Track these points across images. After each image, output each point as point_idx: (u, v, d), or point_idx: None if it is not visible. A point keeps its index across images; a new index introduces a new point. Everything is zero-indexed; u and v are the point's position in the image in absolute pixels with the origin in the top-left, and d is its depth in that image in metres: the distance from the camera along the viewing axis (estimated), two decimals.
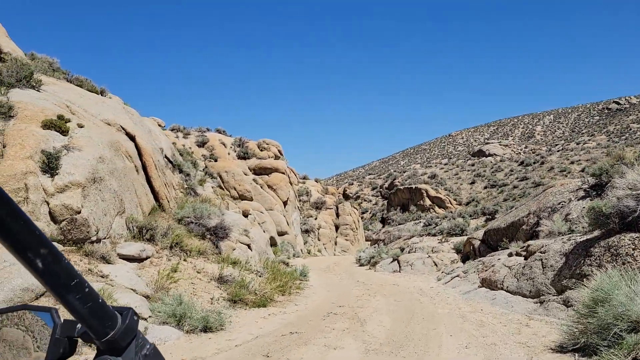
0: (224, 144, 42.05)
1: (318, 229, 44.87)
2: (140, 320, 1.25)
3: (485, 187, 67.30)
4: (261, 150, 43.79)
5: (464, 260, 19.82)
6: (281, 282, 13.55)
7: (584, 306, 6.82)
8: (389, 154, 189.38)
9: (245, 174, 37.06)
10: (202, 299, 10.42)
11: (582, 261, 9.68)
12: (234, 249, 16.63)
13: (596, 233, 10.33)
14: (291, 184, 43.45)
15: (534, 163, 70.08)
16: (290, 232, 37.75)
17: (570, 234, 12.17)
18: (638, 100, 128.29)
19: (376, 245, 34.83)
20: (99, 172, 11.21)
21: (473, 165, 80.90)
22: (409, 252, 24.34)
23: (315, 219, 45.82)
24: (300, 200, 47.16)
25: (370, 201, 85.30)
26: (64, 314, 1.00)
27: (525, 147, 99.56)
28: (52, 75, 19.21)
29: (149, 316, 8.17)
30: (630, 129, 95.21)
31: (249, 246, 17.70)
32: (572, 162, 63.83)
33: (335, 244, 45.90)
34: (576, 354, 6.54)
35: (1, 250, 6.39)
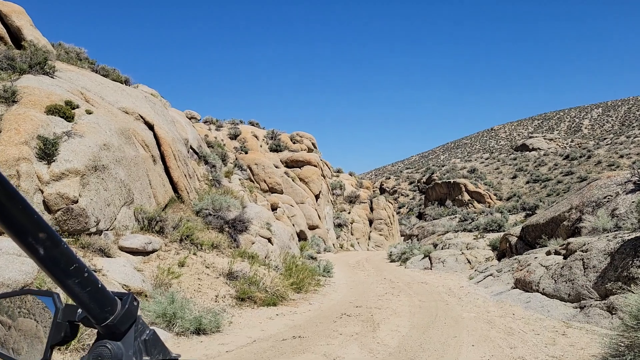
0: (256, 137, 41.57)
1: (351, 223, 43.90)
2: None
3: (528, 182, 64.78)
4: (294, 143, 43.11)
5: (499, 258, 18.55)
6: (297, 278, 12.71)
7: (631, 317, 5.71)
8: (429, 148, 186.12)
9: (277, 167, 36.43)
10: (206, 296, 9.71)
11: (630, 262, 8.47)
12: (253, 243, 15.92)
13: None
14: (324, 177, 42.61)
15: (580, 157, 67.00)
16: (322, 226, 36.94)
17: (616, 231, 10.87)
18: None
19: (409, 240, 33.62)
20: (102, 160, 10.62)
21: (515, 159, 78.11)
22: (442, 249, 23.14)
23: (349, 213, 44.86)
24: (333, 194, 46.27)
25: (408, 196, 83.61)
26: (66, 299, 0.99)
27: (572, 142, 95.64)
28: (76, 63, 18.94)
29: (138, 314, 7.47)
30: None
31: (269, 240, 16.95)
32: (622, 156, 60.65)
33: (369, 238, 44.84)
34: None
35: None
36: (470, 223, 27.32)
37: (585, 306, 8.89)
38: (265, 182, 33.31)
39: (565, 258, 10.84)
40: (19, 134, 9.34)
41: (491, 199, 56.91)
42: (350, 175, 52.45)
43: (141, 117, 16.41)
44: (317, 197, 38.72)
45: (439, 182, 65.72)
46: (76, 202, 9.31)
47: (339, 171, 51.71)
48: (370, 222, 46.13)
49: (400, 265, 22.88)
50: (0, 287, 6.58)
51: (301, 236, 32.60)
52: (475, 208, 51.42)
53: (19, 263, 6.95)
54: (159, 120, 17.82)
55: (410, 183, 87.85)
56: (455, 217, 31.69)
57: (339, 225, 42.51)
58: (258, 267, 12.97)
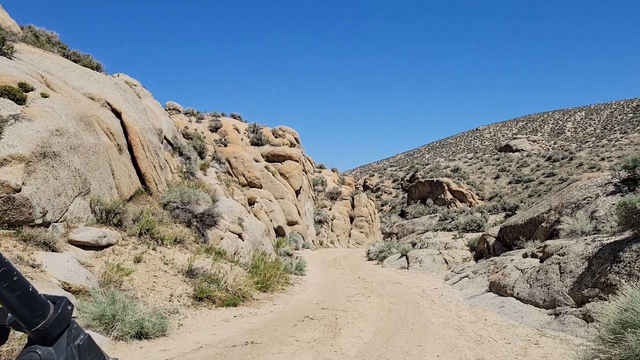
0: (237, 130, 40.81)
1: (332, 220, 43.37)
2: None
3: (510, 183, 64.79)
4: (276, 137, 42.42)
5: (477, 259, 18.13)
6: (264, 276, 12.08)
7: (609, 330, 5.20)
8: (414, 147, 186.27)
9: (257, 161, 35.71)
10: (160, 295, 9.06)
11: (609, 268, 7.99)
12: (222, 239, 15.26)
13: (627, 234, 8.61)
14: (306, 172, 41.98)
15: (562, 159, 67.19)
16: (302, 222, 36.33)
17: (595, 234, 10.43)
18: None
19: (389, 238, 33.16)
20: (53, 147, 9.88)
21: (498, 159, 78.17)
22: (420, 248, 22.68)
23: (330, 209, 44.32)
24: (315, 190, 45.68)
25: (391, 193, 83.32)
26: None
27: (555, 144, 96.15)
28: (43, 46, 18.07)
29: (73, 317, 6.80)
30: None
31: (240, 236, 16.30)
32: (603, 159, 60.91)
33: (350, 236, 44.35)
34: None
35: None
36: (450, 222, 26.92)
37: (560, 313, 8.41)
38: (244, 176, 32.58)
39: (541, 261, 10.37)
40: None
41: (473, 198, 56.78)
42: (332, 171, 51.89)
43: (108, 104, 15.64)
44: (297, 192, 38.09)
45: (422, 180, 65.48)
46: (19, 190, 8.59)
47: (321, 167, 51.12)
48: (352, 219, 45.64)
49: (378, 264, 22.39)
50: None
51: (279, 232, 31.95)
52: (457, 207, 51.18)
53: None
54: (129, 108, 17.05)
55: (394, 181, 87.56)
56: (436, 215, 31.30)
57: (320, 222, 41.93)
58: (223, 264, 12.33)
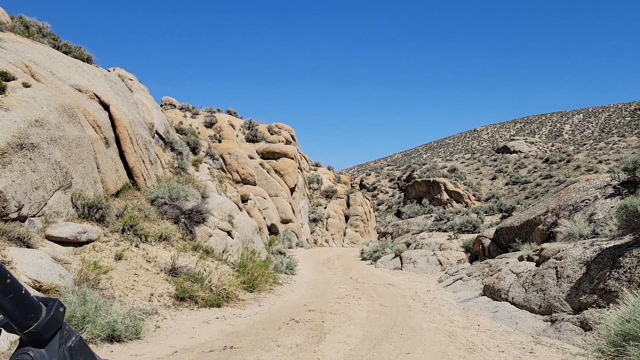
0: (232, 126, 40.36)
1: (327, 218, 42.98)
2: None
3: (507, 184, 64.52)
4: (271, 134, 42.01)
5: (472, 261, 17.77)
6: (251, 276, 11.69)
7: (609, 342, 4.84)
8: (412, 147, 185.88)
9: (251, 157, 35.29)
10: (139, 294, 8.67)
11: (608, 273, 7.64)
12: (211, 236, 14.87)
13: (627, 238, 8.25)
14: (301, 170, 41.59)
15: (560, 161, 66.93)
16: (296, 220, 35.94)
17: (594, 237, 10.07)
18: None
19: (384, 238, 32.79)
20: (31, 138, 9.47)
21: (496, 160, 77.88)
22: (414, 248, 22.32)
23: (325, 208, 43.94)
24: (310, 188, 45.29)
25: (387, 193, 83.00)
26: None
27: (552, 146, 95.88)
28: (32, 37, 17.66)
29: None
30: None
31: (229, 233, 15.90)
32: (600, 162, 60.66)
33: (344, 234, 43.98)
34: None
35: None
36: (445, 223, 26.57)
37: (556, 320, 8.05)
38: (237, 172, 32.17)
39: (537, 265, 10.01)
40: None
41: (470, 199, 56.47)
42: (328, 169, 51.48)
43: (96, 96, 15.23)
44: (292, 190, 37.69)
45: (419, 180, 65.15)
46: None
47: (317, 165, 50.70)
48: (347, 218, 45.26)
49: (371, 264, 22.02)
50: None
51: (273, 230, 31.56)
52: (453, 208, 50.86)
53: None
54: (118, 100, 16.63)
55: (391, 180, 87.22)
56: (431, 216, 30.94)
57: (314, 220, 41.54)
58: (209, 263, 11.95)
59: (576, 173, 57.29)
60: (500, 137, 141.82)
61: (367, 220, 46.04)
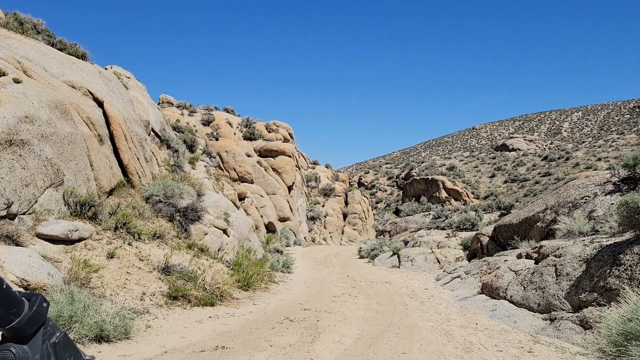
0: (230, 124, 40.19)
1: (325, 216, 42.82)
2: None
3: (506, 182, 64.39)
4: (269, 132, 41.82)
5: (470, 258, 17.63)
6: (246, 274, 11.53)
7: (610, 342, 4.68)
8: (411, 145, 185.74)
9: (249, 155, 35.12)
10: (131, 293, 8.50)
11: (608, 271, 7.49)
12: (206, 234, 14.70)
13: (628, 235, 8.11)
14: (299, 168, 41.40)
15: (559, 159, 66.81)
16: (294, 218, 35.79)
17: (593, 234, 9.93)
18: None
19: (382, 236, 32.62)
20: (20, 134, 9.30)
21: (494, 158, 77.74)
22: (412, 246, 22.16)
23: (323, 206, 43.78)
24: (308, 186, 45.13)
25: (386, 191, 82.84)
26: None
27: (551, 144, 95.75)
28: (26, 33, 17.48)
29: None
30: None
31: (225, 231, 15.73)
32: (600, 159, 60.55)
33: (342, 233, 43.84)
34: None
35: None
36: (443, 220, 26.41)
37: (556, 318, 7.90)
38: (235, 170, 31.98)
39: (536, 263, 9.86)
40: None
41: (468, 196, 56.34)
42: (326, 167, 51.32)
43: (90, 92, 15.05)
44: (290, 188, 37.52)
45: (417, 178, 65.01)
46: None
47: (315, 163, 50.54)
48: (345, 216, 45.11)
49: (369, 262, 21.88)
50: None
51: (270, 228, 31.39)
52: (452, 205, 50.72)
53: None
54: (112, 97, 16.45)
55: (389, 178, 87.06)
56: (429, 213, 30.79)
57: (312, 218, 41.38)
58: (204, 261, 11.79)
59: (575, 170, 57.16)
60: (499, 135, 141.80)
61: (365, 218, 45.90)
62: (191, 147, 26.48)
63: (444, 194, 57.66)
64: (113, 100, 16.19)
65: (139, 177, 15.64)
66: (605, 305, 6.87)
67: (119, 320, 6.41)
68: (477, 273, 12.95)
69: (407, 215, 34.08)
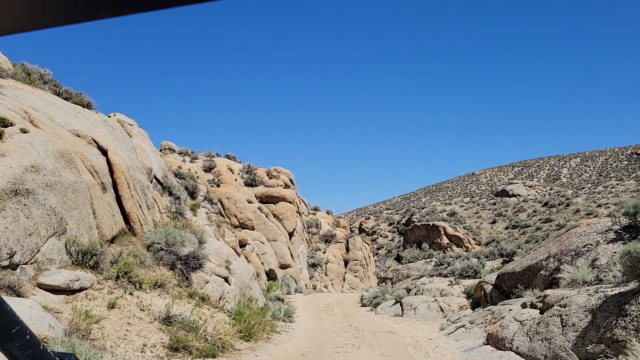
0: (231, 170, 40.45)
1: (326, 263, 42.50)
2: None
3: (507, 228, 64.23)
4: (270, 178, 42.07)
5: (474, 307, 17.42)
6: (248, 324, 11.39)
7: None
8: (411, 190, 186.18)
9: (250, 202, 35.19)
10: (132, 345, 8.39)
11: (614, 322, 7.41)
12: (207, 282, 14.60)
13: (632, 285, 8.07)
14: (300, 214, 41.40)
15: (559, 205, 66.88)
16: (294, 265, 35.51)
17: (597, 284, 9.87)
18: None
19: (384, 283, 32.30)
20: (26, 184, 9.40)
21: (495, 204, 77.82)
22: (415, 294, 21.93)
23: (324, 252, 43.51)
24: (309, 232, 45.00)
25: (387, 237, 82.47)
26: None
27: (551, 189, 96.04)
28: (33, 83, 17.90)
29: None
30: None
31: (226, 279, 15.63)
32: (600, 205, 60.61)
33: (344, 280, 43.39)
34: None
35: None
36: (446, 268, 26.24)
37: None
38: (236, 217, 32.00)
39: (541, 312, 9.77)
40: None
41: (470, 243, 56.07)
42: (327, 213, 51.31)
43: (95, 141, 15.28)
44: (291, 234, 37.42)
45: (418, 224, 64.87)
46: None
47: (316, 209, 50.56)
48: (346, 262, 44.78)
49: (371, 310, 21.61)
50: None
51: (271, 275, 31.12)
52: (453, 252, 50.43)
53: None
54: (116, 146, 16.67)
55: (390, 224, 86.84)
56: (431, 260, 30.60)
57: (313, 265, 41.06)
58: (205, 310, 11.67)
59: (576, 217, 57.13)
60: (499, 180, 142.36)
61: (367, 265, 45.55)
62: (193, 194, 26.58)
63: (445, 240, 57.41)
64: (117, 148, 16.41)
65: (141, 225, 15.67)
66: (613, 358, 6.78)
67: None
68: (482, 322, 12.79)
69: (409, 262, 33.86)
